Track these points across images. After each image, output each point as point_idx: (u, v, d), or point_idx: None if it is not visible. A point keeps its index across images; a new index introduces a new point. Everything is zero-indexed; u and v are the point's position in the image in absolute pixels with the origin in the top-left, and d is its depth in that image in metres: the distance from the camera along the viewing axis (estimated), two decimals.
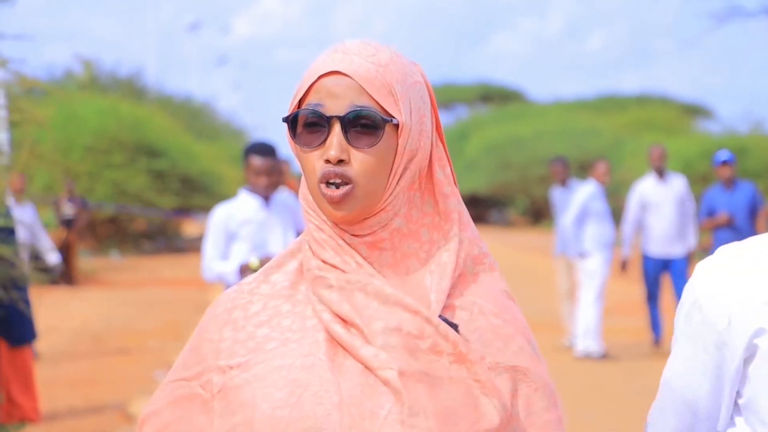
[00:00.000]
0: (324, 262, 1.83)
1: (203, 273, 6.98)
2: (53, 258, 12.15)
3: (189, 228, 37.66)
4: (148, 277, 20.91)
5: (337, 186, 1.79)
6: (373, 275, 1.81)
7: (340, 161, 1.79)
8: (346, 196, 1.79)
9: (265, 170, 6.83)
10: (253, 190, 6.96)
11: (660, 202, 12.03)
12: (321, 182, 1.80)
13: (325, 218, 1.84)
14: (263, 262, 6.57)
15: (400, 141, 1.82)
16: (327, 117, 1.80)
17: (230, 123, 56.01)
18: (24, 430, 6.78)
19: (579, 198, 12.13)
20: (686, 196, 12.08)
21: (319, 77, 1.81)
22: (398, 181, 1.83)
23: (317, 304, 1.83)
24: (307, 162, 1.82)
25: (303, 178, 1.87)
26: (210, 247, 6.93)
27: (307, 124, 1.82)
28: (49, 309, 14.45)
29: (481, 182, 40.44)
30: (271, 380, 1.79)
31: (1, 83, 7.16)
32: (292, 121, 1.84)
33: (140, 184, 27.77)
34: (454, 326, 1.80)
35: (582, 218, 12.02)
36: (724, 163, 11.62)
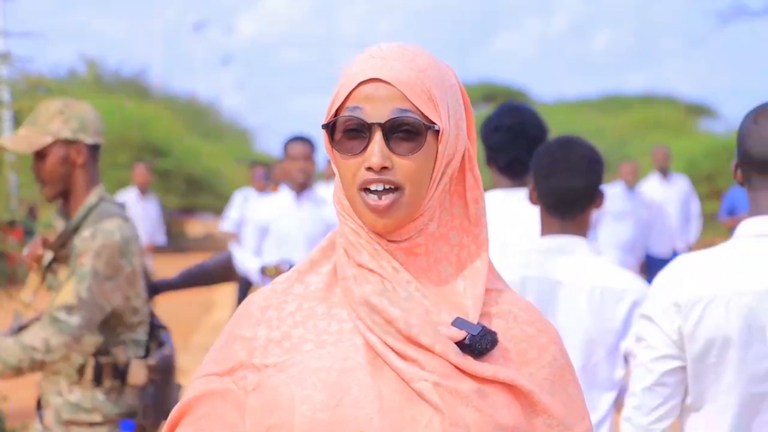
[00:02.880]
0: (360, 265, 1.82)
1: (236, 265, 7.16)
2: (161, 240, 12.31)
3: (194, 227, 37.62)
4: (154, 277, 20.89)
5: (379, 196, 1.78)
6: (410, 281, 1.81)
7: (383, 168, 1.78)
8: (392, 204, 1.78)
9: (301, 156, 6.90)
10: (288, 180, 7.06)
11: (664, 202, 12.02)
12: (361, 189, 1.79)
13: (361, 223, 1.83)
14: (278, 268, 6.65)
15: (440, 146, 1.81)
16: (368, 124, 1.78)
17: (235, 123, 55.97)
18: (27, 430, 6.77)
19: None
20: (690, 196, 12.07)
21: (359, 84, 1.80)
22: (437, 186, 1.82)
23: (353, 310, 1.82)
24: (346, 169, 1.81)
25: (338, 184, 1.86)
26: (245, 241, 7.20)
27: (346, 130, 1.81)
28: None
29: (486, 182, 40.38)
30: (309, 382, 1.78)
31: (6, 80, 7.17)
32: (330, 127, 1.82)
33: None
34: (493, 334, 1.80)
35: (596, 218, 12.02)
36: None
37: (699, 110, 49.96)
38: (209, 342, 12.96)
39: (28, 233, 8.59)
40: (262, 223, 7.06)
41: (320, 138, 6.45)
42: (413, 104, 1.79)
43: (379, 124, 1.78)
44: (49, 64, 33.83)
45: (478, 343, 1.78)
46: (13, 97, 7.42)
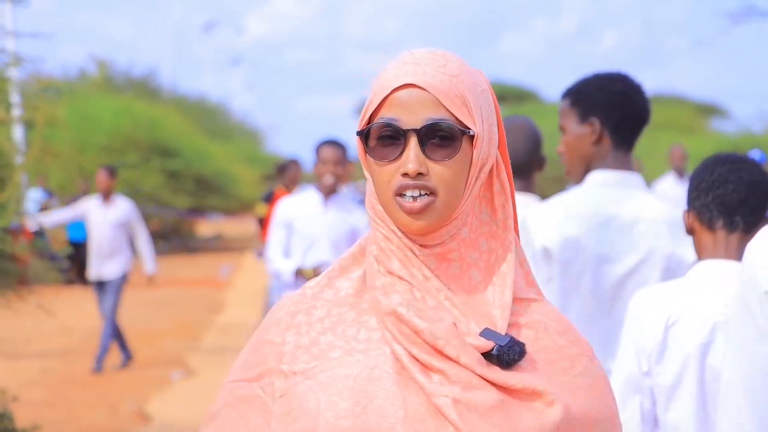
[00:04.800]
0: (390, 273, 1.81)
1: (266, 263, 7.34)
2: (149, 265, 11.79)
3: (203, 228, 37.67)
4: (163, 277, 20.91)
5: (415, 198, 1.78)
6: (440, 289, 1.80)
7: (419, 174, 1.77)
8: (426, 207, 1.78)
9: (332, 160, 6.94)
10: (318, 183, 7.10)
11: (678, 202, 12.02)
12: (397, 194, 1.79)
13: (394, 228, 1.82)
14: (315, 271, 6.72)
15: (474, 152, 1.80)
16: (403, 130, 1.78)
17: (244, 123, 55.97)
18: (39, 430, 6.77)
19: None
20: None
21: (393, 90, 1.79)
22: (471, 190, 1.82)
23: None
24: (382, 175, 1.80)
25: (370, 189, 1.85)
26: (273, 239, 7.18)
27: (381, 137, 1.80)
28: (65, 309, 14.46)
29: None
30: (336, 389, 1.78)
31: (16, 82, 7.16)
32: (365, 134, 1.82)
33: (154, 183, 27.78)
34: (521, 345, 1.78)
35: None
36: None
37: (709, 110, 49.86)
38: (219, 343, 12.96)
39: (38, 235, 8.60)
40: (286, 221, 7.11)
41: (335, 137, 6.39)
42: (448, 110, 1.78)
43: (415, 131, 1.78)
44: (58, 65, 33.89)
45: (506, 354, 1.77)
46: (23, 99, 7.41)
